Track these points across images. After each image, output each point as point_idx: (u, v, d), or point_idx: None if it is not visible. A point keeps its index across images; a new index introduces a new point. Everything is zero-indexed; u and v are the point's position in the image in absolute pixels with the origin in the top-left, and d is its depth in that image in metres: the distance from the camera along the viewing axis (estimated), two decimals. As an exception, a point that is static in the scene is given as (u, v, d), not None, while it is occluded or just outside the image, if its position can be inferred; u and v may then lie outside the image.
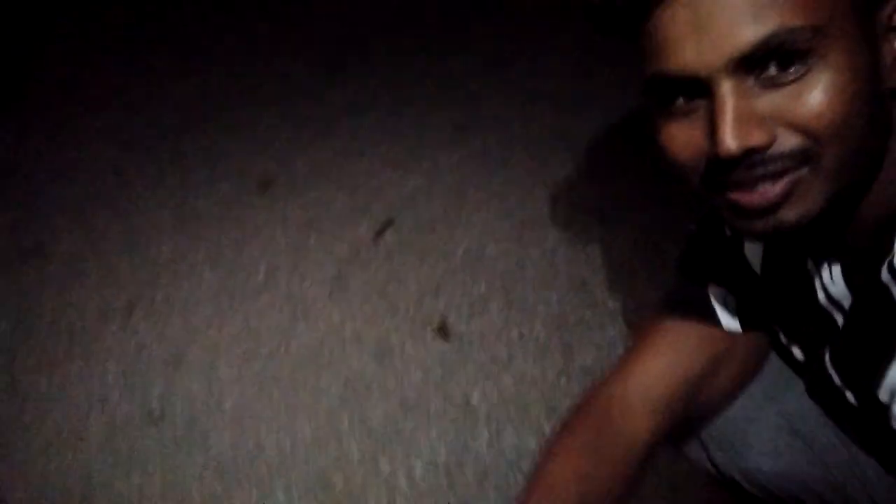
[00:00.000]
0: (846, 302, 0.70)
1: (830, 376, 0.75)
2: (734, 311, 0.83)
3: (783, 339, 0.82)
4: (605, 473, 0.78)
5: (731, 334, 0.83)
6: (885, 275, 0.64)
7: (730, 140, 0.54)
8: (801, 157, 0.56)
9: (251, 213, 1.83)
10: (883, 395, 0.68)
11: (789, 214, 0.58)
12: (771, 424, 0.84)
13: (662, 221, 1.87)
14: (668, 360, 0.83)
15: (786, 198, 0.57)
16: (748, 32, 0.53)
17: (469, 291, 1.66)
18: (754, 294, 0.81)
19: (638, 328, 0.90)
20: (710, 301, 0.83)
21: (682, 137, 0.59)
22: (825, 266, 0.71)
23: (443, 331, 1.55)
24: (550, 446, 0.81)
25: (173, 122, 2.11)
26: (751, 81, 0.55)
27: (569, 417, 0.84)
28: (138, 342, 1.53)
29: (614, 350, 1.54)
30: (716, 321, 0.83)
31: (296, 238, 1.77)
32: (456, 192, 1.95)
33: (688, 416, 0.85)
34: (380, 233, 1.79)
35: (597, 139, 2.14)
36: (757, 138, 0.55)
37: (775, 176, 0.57)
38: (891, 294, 0.64)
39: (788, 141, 0.55)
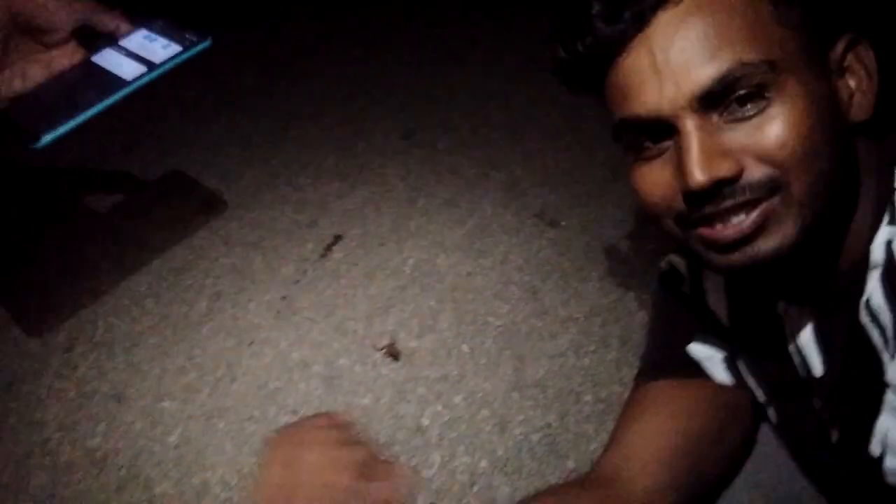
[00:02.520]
0: (812, 347, 0.69)
1: (813, 433, 0.72)
2: (721, 365, 0.79)
3: (760, 397, 0.78)
4: None
5: (727, 390, 0.78)
6: (863, 316, 0.63)
7: (698, 172, 0.57)
8: (770, 187, 0.57)
9: (194, 237, 1.78)
10: (874, 447, 0.66)
11: (765, 245, 0.59)
12: None
13: (614, 224, 1.85)
14: (661, 418, 0.77)
15: (760, 228, 0.58)
16: (706, 71, 0.56)
17: (419, 307, 1.63)
18: (729, 348, 0.79)
19: (627, 399, 0.84)
20: (692, 356, 0.80)
21: (653, 178, 0.61)
22: (797, 309, 0.70)
23: (392, 351, 1.52)
24: None
25: (114, 142, 2.05)
26: (714, 117, 0.57)
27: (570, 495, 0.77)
28: (79, 380, 1.49)
29: (566, 361, 1.52)
30: (704, 375, 0.79)
31: (240, 260, 1.73)
32: (405, 202, 1.91)
33: (696, 491, 0.78)
34: (327, 250, 1.76)
35: (548, 141, 2.12)
36: (724, 170, 0.57)
37: (746, 207, 0.58)
38: (870, 337, 0.63)
39: (756, 172, 0.57)
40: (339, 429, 0.62)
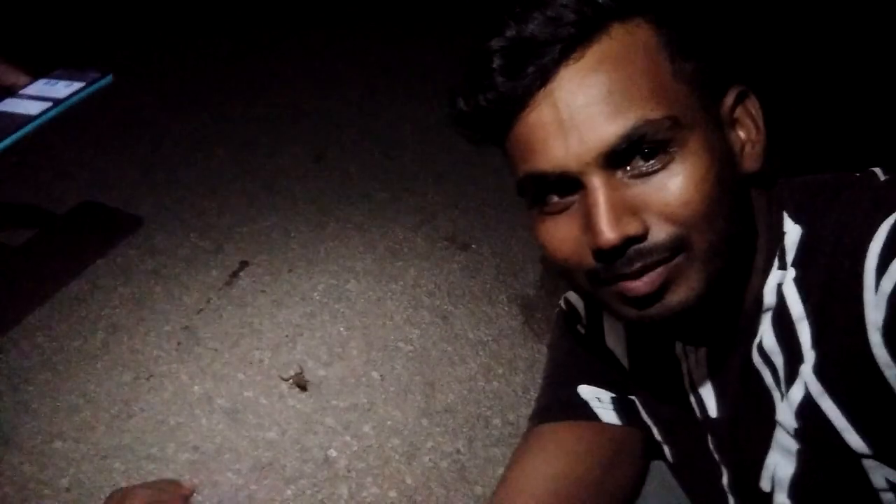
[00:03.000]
0: (708, 388, 0.71)
1: (708, 471, 0.73)
2: (610, 406, 0.80)
3: (657, 436, 0.79)
4: None
5: (616, 429, 0.79)
6: (756, 357, 0.65)
7: (607, 230, 0.57)
8: (676, 247, 0.58)
9: (91, 266, 1.70)
10: (764, 483, 0.68)
11: (673, 299, 0.60)
12: None
13: (524, 246, 1.88)
14: (546, 461, 0.77)
15: (667, 284, 0.59)
16: (612, 128, 0.56)
17: (328, 334, 1.61)
18: (624, 387, 0.80)
19: (519, 442, 0.84)
20: (581, 398, 0.80)
21: (561, 233, 0.61)
22: (694, 351, 0.71)
23: (299, 380, 1.49)
24: None
25: (3, 168, 1.94)
26: (619, 173, 0.58)
27: None
28: (-40, 422, 1.39)
29: (475, 385, 1.53)
30: (592, 416, 0.79)
31: (139, 290, 1.66)
32: (315, 226, 1.89)
33: None
34: (233, 277, 1.71)
35: (460, 165, 2.14)
36: (632, 228, 0.57)
37: (656, 266, 0.59)
38: (762, 378, 0.65)
39: (661, 232, 0.58)
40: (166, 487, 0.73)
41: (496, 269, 1.81)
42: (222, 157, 2.05)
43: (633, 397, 0.80)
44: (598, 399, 0.80)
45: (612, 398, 0.80)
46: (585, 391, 0.80)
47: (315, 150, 2.14)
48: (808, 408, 0.62)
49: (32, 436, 1.38)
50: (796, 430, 0.63)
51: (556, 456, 0.77)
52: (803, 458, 0.64)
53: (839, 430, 0.60)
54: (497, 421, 1.47)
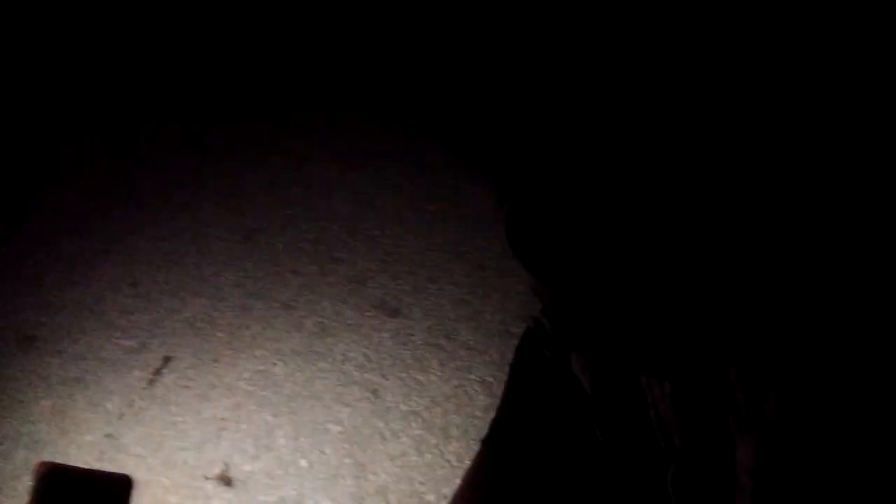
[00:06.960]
0: (672, 420, 0.70)
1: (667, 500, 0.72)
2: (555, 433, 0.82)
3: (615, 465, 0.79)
4: None
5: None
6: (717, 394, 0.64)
7: None
8: None
9: (10, 380, 1.66)
10: None
11: None
12: None
13: (454, 305, 1.86)
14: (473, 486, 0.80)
15: None
16: None
17: (255, 425, 1.57)
18: (584, 413, 0.80)
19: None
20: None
21: None
22: (656, 383, 0.70)
23: (224, 478, 1.45)
24: None
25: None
26: None
27: None
28: None
29: (408, 460, 1.50)
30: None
31: (61, 400, 1.62)
32: (241, 310, 1.86)
33: None
34: (156, 374, 1.67)
35: (389, 227, 2.12)
36: None
37: None
38: (725, 415, 0.64)
39: None
40: None
41: (427, 333, 1.78)
42: (144, 249, 2.02)
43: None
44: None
45: (562, 424, 0.80)
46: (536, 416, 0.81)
47: (246, 225, 2.12)
48: (765, 451, 0.61)
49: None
50: (752, 470, 0.62)
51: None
52: (760, 500, 0.62)
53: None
54: (431, 497, 1.43)
